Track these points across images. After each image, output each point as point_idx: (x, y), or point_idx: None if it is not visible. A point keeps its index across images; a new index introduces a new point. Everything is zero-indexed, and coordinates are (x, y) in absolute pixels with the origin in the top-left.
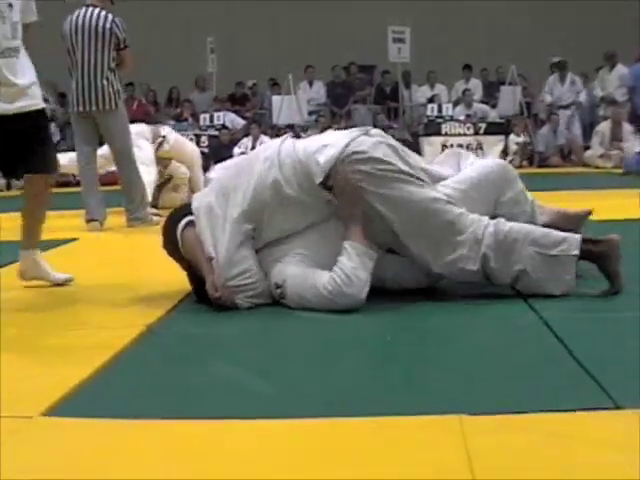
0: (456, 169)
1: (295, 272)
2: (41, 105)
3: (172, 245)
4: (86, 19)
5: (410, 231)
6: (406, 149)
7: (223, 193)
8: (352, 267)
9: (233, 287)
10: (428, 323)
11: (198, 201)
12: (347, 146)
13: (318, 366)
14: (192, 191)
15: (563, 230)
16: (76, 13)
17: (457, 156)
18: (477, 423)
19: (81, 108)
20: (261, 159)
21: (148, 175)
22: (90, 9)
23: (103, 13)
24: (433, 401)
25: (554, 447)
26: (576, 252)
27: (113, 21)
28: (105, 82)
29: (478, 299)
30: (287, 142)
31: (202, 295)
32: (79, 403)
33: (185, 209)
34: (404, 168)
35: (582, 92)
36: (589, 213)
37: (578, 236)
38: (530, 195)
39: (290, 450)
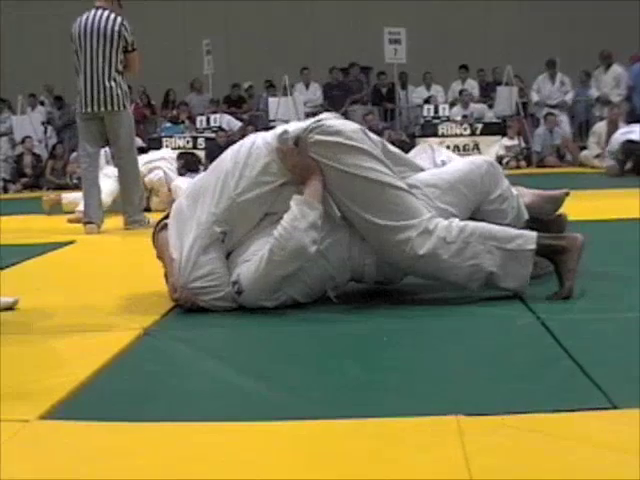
0: (430, 163)
1: (247, 264)
2: None
3: (155, 247)
4: (95, 21)
5: (361, 206)
6: (383, 141)
7: (193, 194)
8: (290, 219)
9: (196, 289)
10: (426, 324)
11: (175, 203)
12: (318, 121)
13: (315, 368)
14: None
15: (543, 210)
16: (85, 15)
17: (430, 151)
18: (475, 424)
19: (89, 109)
20: (229, 157)
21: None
22: (99, 11)
23: (112, 15)
24: (431, 402)
25: (552, 448)
26: (532, 246)
27: (122, 24)
28: (113, 84)
29: (476, 301)
30: (257, 136)
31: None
32: (76, 406)
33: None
34: (367, 148)
35: (570, 93)
36: (567, 194)
37: (534, 233)
38: (514, 190)
39: (288, 452)
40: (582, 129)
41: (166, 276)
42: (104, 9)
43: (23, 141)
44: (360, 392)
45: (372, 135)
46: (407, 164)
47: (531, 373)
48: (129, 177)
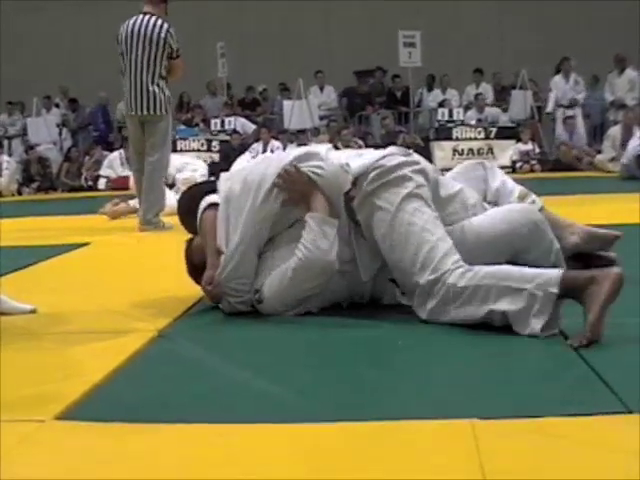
0: (481, 189)
1: (272, 273)
2: None
3: (186, 216)
4: (142, 26)
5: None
6: (437, 179)
7: (247, 182)
8: (312, 239)
9: (229, 289)
10: (438, 327)
11: (224, 184)
12: (381, 158)
13: (330, 371)
14: None
15: (592, 251)
16: (132, 19)
17: (482, 170)
18: (489, 427)
19: (132, 112)
20: (290, 158)
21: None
22: (147, 17)
23: (159, 22)
24: (445, 405)
25: (566, 451)
26: (554, 289)
27: (168, 30)
28: (156, 88)
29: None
30: (320, 148)
31: (195, 278)
32: (92, 407)
33: (212, 184)
34: (422, 193)
35: (582, 93)
36: (617, 237)
37: (559, 271)
38: (557, 243)
39: (301, 454)
40: (596, 133)
41: (187, 251)
42: (151, 15)
43: (31, 148)
44: (374, 395)
45: (430, 172)
46: (457, 208)
47: (545, 377)
48: (153, 177)
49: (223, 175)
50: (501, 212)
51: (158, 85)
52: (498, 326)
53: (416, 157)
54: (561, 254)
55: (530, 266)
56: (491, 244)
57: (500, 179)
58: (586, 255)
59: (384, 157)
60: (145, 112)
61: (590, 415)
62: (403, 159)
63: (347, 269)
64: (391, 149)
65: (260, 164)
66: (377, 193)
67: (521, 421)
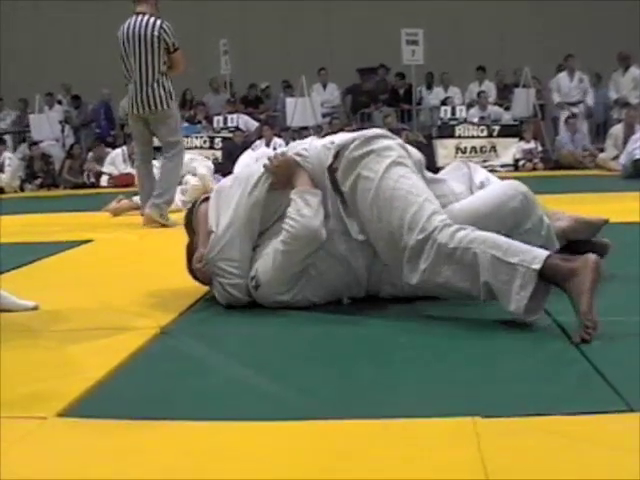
0: (467, 183)
1: (264, 258)
2: None
3: (189, 223)
4: (136, 27)
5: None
6: (421, 162)
7: (239, 178)
8: (296, 210)
9: (218, 268)
10: (441, 325)
11: (219, 184)
12: (361, 134)
13: (332, 368)
14: None
15: (580, 236)
16: (127, 22)
17: (466, 169)
18: (491, 425)
19: (135, 111)
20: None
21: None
22: (140, 17)
23: (151, 20)
24: (446, 403)
25: (568, 449)
26: (537, 265)
27: (161, 27)
28: (156, 85)
29: (492, 302)
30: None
31: (195, 275)
32: (94, 404)
33: None
34: (407, 163)
35: (589, 91)
36: (606, 221)
37: (545, 252)
38: (547, 219)
39: (303, 452)
40: (599, 131)
41: (189, 248)
42: (144, 14)
43: (34, 144)
44: (376, 393)
45: (413, 153)
46: (445, 191)
47: (547, 375)
48: (169, 168)
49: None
50: (489, 190)
51: (157, 82)
52: (484, 300)
53: (395, 137)
54: (552, 230)
55: (522, 240)
56: (483, 221)
57: (484, 174)
58: (577, 244)
59: (364, 134)
60: (147, 109)
61: (592, 413)
62: (383, 132)
63: (342, 253)
64: (373, 129)
65: (252, 165)
66: (360, 162)
67: (523, 419)
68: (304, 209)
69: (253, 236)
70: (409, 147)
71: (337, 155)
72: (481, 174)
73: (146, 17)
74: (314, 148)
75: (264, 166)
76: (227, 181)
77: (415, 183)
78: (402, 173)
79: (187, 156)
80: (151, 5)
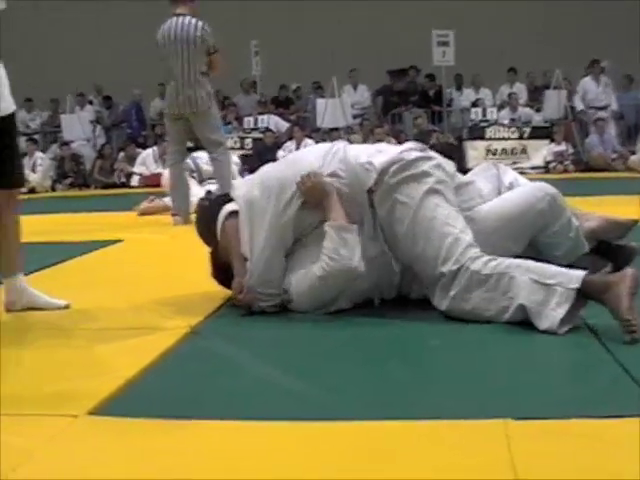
0: (495, 184)
1: (298, 275)
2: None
3: (207, 228)
4: (178, 28)
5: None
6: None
7: (268, 186)
8: (333, 248)
9: (259, 294)
10: (472, 328)
11: (240, 190)
12: (400, 153)
13: (362, 369)
14: None
15: (608, 238)
16: (167, 23)
17: (494, 170)
18: (522, 428)
19: (175, 111)
20: (313, 157)
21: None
22: (181, 18)
23: (193, 21)
24: (478, 405)
25: (599, 453)
26: (575, 285)
27: (203, 28)
28: (197, 86)
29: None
30: (338, 146)
31: (220, 280)
32: (124, 403)
33: (225, 196)
34: (441, 188)
35: (613, 97)
36: (635, 222)
37: (581, 272)
38: (575, 221)
39: (331, 451)
40: (631, 133)
41: (212, 256)
42: (184, 15)
43: (65, 144)
44: (406, 394)
45: (447, 167)
46: (473, 194)
47: (578, 378)
48: (223, 168)
49: (235, 183)
50: (517, 192)
51: (199, 82)
52: (518, 321)
53: (431, 153)
54: (581, 232)
55: (551, 242)
56: (511, 223)
57: (513, 175)
58: (606, 245)
59: (402, 152)
60: (189, 110)
61: (623, 417)
62: (420, 154)
63: (375, 263)
64: (408, 144)
65: (276, 166)
66: (398, 188)
67: (554, 422)
68: (342, 249)
69: (286, 249)
70: (443, 161)
71: (377, 179)
72: (510, 175)
73: (187, 18)
74: (351, 169)
75: (297, 184)
76: (254, 189)
77: (450, 213)
78: (438, 202)
79: None
80: (190, 7)
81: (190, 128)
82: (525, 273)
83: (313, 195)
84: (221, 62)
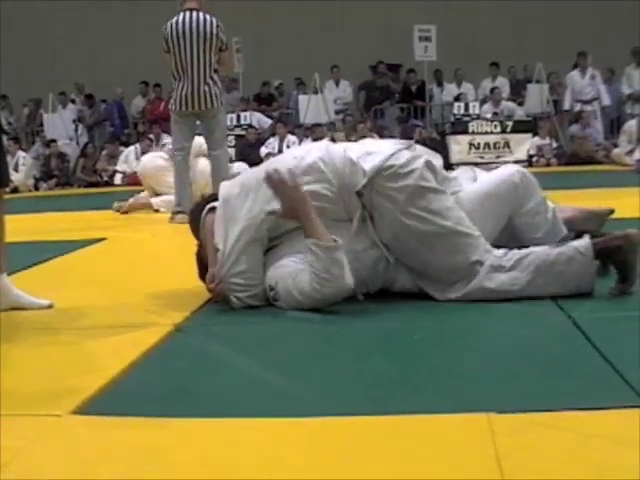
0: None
1: (284, 274)
2: None
3: (194, 224)
4: (193, 23)
5: (422, 248)
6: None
7: (246, 185)
8: (323, 268)
9: (233, 284)
10: (456, 321)
11: (224, 188)
12: (390, 157)
13: (345, 364)
14: None
15: (586, 227)
16: (178, 18)
17: (471, 172)
18: (506, 422)
19: (184, 108)
20: (291, 156)
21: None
22: (194, 13)
23: (208, 17)
24: (461, 399)
25: (584, 446)
26: (586, 242)
27: (217, 25)
28: (211, 82)
29: (507, 299)
30: (322, 142)
31: (203, 277)
32: (108, 402)
33: (216, 194)
34: (436, 186)
35: (602, 87)
36: (611, 212)
37: (587, 240)
38: (551, 203)
39: (317, 448)
40: (613, 126)
41: (198, 255)
42: (197, 11)
43: (49, 144)
44: (390, 389)
45: (435, 162)
46: (457, 187)
47: (562, 371)
48: (221, 167)
49: (223, 183)
50: (489, 173)
51: (212, 79)
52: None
53: (419, 150)
54: (558, 215)
55: (529, 223)
56: (490, 199)
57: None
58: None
59: (392, 156)
60: (203, 107)
61: (607, 409)
62: (410, 155)
63: (364, 256)
64: (397, 145)
65: (259, 167)
66: (394, 192)
67: (538, 415)
68: (333, 268)
69: (263, 243)
70: (430, 152)
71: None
72: (483, 174)
73: (201, 14)
74: (336, 162)
75: (265, 176)
76: (235, 187)
77: (460, 215)
78: (449, 205)
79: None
80: (200, 2)
81: (195, 124)
82: (541, 253)
83: (284, 192)
84: (231, 59)
